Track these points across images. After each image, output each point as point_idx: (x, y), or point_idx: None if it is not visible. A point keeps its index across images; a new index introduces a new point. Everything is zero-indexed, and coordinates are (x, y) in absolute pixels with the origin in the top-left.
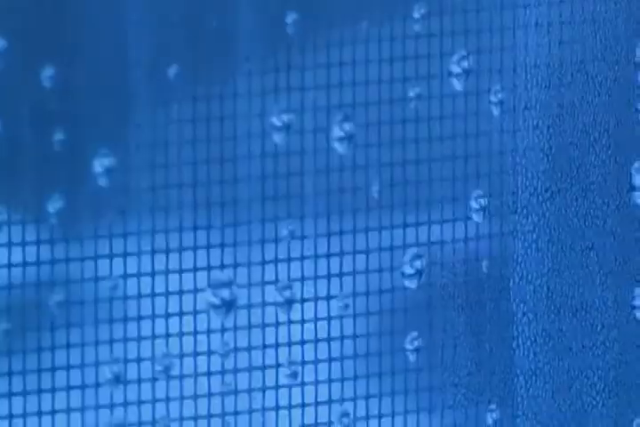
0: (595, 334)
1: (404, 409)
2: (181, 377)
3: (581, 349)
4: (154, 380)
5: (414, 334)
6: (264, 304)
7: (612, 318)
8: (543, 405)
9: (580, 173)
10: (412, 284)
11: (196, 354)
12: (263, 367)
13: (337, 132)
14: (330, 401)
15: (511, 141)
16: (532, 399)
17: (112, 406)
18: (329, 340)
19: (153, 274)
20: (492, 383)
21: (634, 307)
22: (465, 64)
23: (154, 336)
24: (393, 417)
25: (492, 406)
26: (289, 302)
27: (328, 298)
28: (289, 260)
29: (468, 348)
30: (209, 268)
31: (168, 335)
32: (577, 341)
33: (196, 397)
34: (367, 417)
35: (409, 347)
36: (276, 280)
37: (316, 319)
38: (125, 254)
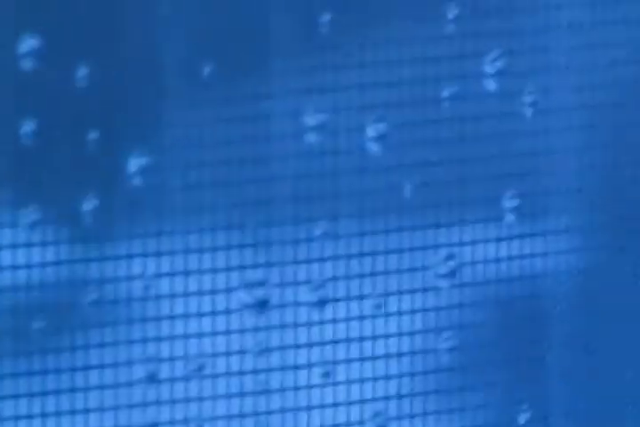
0: (624, 335)
1: (436, 409)
2: (214, 376)
3: (612, 349)
4: (187, 379)
5: (448, 333)
6: (297, 304)
7: None
8: (576, 404)
9: (614, 173)
10: (445, 283)
11: (228, 353)
12: (296, 367)
13: (371, 132)
14: (362, 401)
15: (544, 142)
16: (563, 399)
17: (145, 405)
18: (361, 339)
19: (187, 273)
20: (523, 383)
21: None
22: (498, 64)
23: (187, 335)
24: (425, 417)
25: (524, 407)
26: (322, 302)
27: (361, 298)
28: (322, 259)
29: (501, 348)
30: (242, 267)
31: (201, 335)
32: (608, 341)
33: (228, 396)
34: (399, 417)
35: (442, 346)
36: (309, 280)
37: (349, 319)
38: (159, 254)
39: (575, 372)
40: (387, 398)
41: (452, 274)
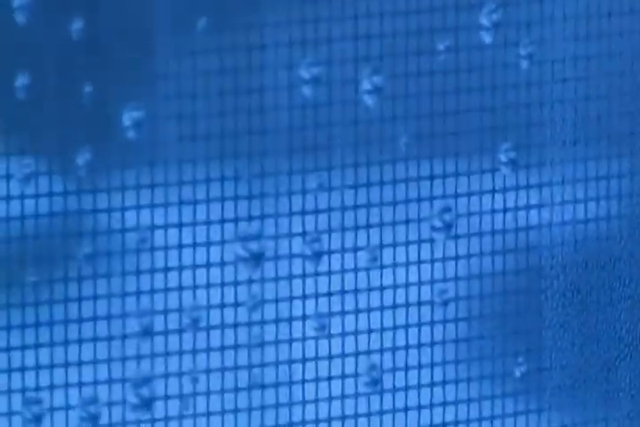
0: (623, 287)
1: (430, 361)
2: (209, 329)
3: (609, 302)
4: (181, 332)
5: (443, 286)
6: (291, 256)
7: None
8: (571, 358)
9: (610, 124)
10: (440, 236)
11: (223, 306)
12: (290, 319)
13: (366, 85)
14: (357, 353)
15: (541, 94)
16: (559, 352)
17: (139, 357)
18: (356, 292)
19: (180, 225)
20: (519, 336)
21: None
22: (494, 17)
23: (181, 288)
24: (419, 369)
25: (520, 360)
26: (317, 255)
27: (355, 250)
28: (317, 212)
29: (496, 300)
30: (236, 219)
31: (196, 287)
32: (605, 294)
33: (223, 349)
34: (394, 369)
35: (437, 299)
36: (304, 232)
37: (344, 272)
38: (153, 206)
39: (571, 324)
40: (382, 350)
41: (447, 226)
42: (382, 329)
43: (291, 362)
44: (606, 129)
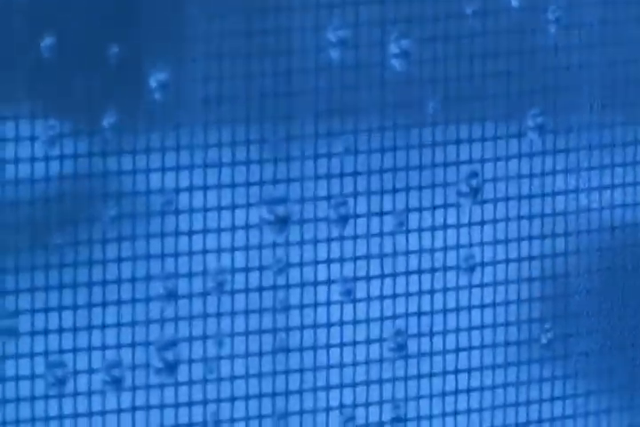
0: None
1: (455, 326)
2: (233, 293)
3: (638, 266)
4: (206, 295)
5: (469, 251)
6: (317, 220)
7: None
8: (598, 323)
9: (637, 89)
10: (466, 201)
11: (248, 270)
12: (316, 284)
13: (393, 48)
14: (382, 318)
15: (568, 59)
16: (586, 318)
17: (163, 321)
18: (382, 256)
19: (205, 188)
20: (546, 302)
21: None
22: None
23: (206, 251)
24: (444, 334)
25: (547, 326)
26: (343, 219)
27: (382, 214)
28: (343, 175)
29: (521, 265)
30: (262, 183)
31: (221, 250)
32: (633, 258)
33: (247, 312)
34: (419, 334)
35: (463, 265)
36: (330, 196)
37: (369, 236)
38: (178, 168)
39: (599, 289)
40: (407, 315)
41: (474, 191)
42: (408, 294)
43: (315, 326)
44: (634, 94)
